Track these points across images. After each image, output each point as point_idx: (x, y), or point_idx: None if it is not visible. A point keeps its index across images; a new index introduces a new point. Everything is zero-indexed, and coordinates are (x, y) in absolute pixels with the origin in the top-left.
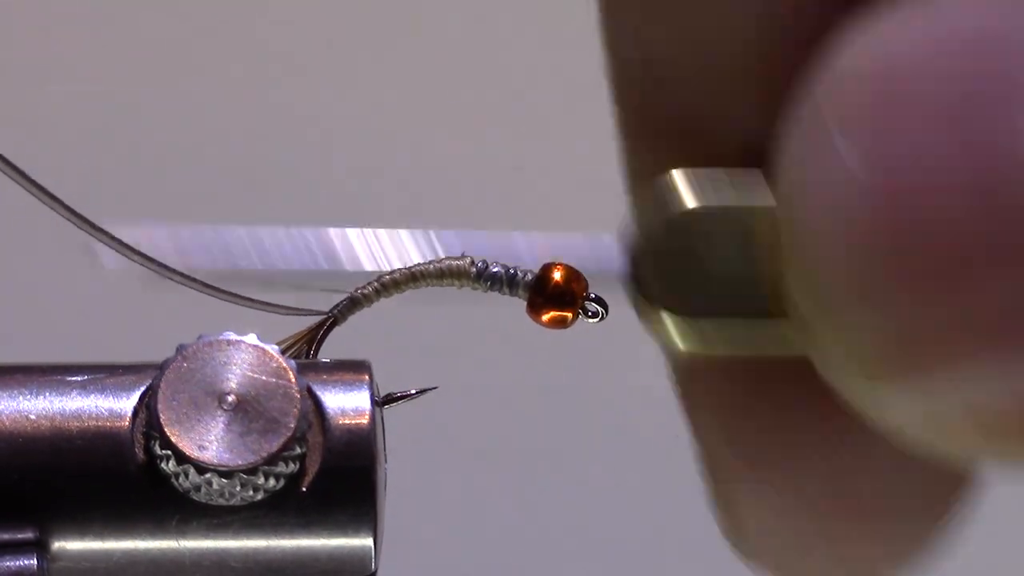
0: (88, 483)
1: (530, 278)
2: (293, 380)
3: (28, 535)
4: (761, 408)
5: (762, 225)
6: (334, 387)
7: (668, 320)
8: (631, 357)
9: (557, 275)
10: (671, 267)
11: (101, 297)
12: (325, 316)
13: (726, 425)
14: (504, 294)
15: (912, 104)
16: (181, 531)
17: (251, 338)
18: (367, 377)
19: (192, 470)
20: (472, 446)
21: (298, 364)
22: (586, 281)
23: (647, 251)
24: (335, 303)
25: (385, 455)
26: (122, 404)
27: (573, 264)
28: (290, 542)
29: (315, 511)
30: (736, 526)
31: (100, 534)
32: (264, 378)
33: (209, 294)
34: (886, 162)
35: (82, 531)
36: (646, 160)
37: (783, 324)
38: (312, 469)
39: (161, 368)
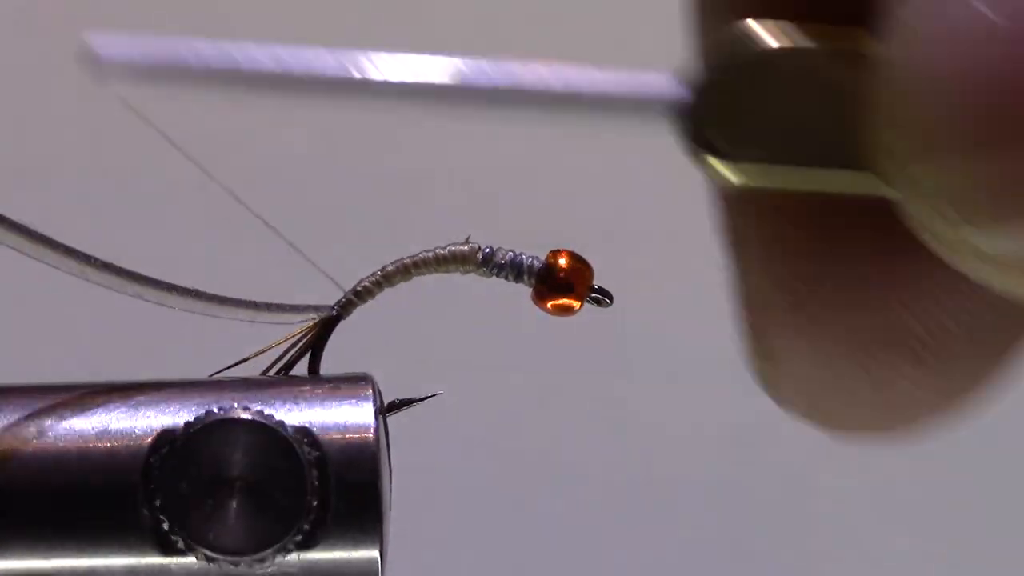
0: (101, 550)
1: (537, 264)
2: (300, 458)
3: None
4: (811, 245)
5: (849, 70)
6: (337, 401)
7: (722, 165)
8: (633, 356)
9: (563, 262)
10: (742, 109)
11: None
12: (328, 313)
13: (773, 259)
14: (510, 281)
15: None
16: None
17: (256, 414)
18: (370, 390)
19: (202, 553)
20: (473, 448)
21: (301, 379)
22: (592, 270)
23: (712, 91)
24: (336, 300)
25: (390, 463)
26: (131, 465)
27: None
28: (297, 558)
29: (323, 518)
30: (773, 367)
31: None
32: (271, 460)
33: (212, 297)
34: (1018, 7)
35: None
36: (720, 13)
37: (849, 173)
38: (320, 536)
39: (171, 444)
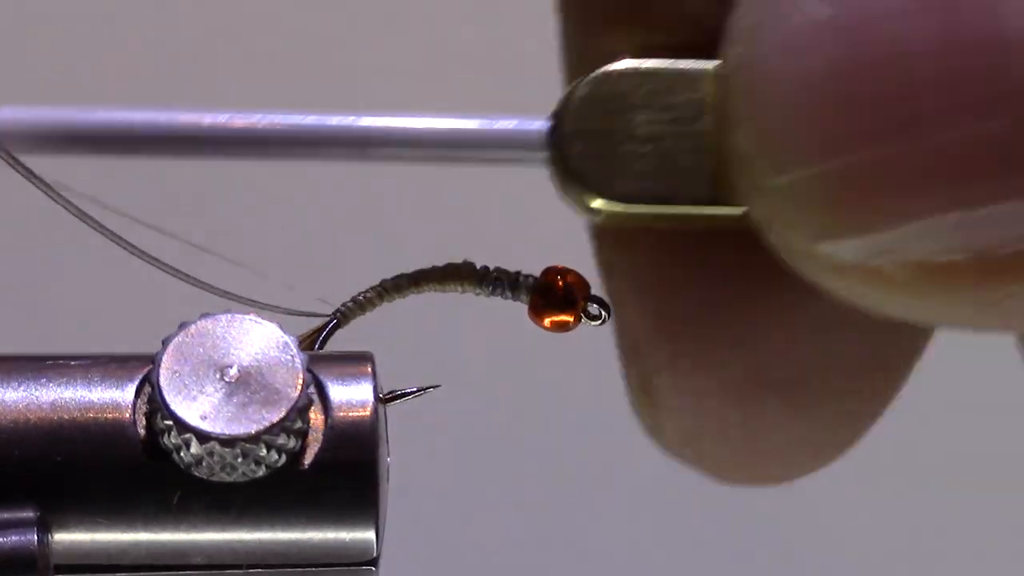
0: (89, 461)
1: (532, 282)
2: (295, 354)
3: (28, 514)
4: (688, 283)
5: (701, 90)
6: (337, 376)
7: (591, 201)
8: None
9: (559, 278)
10: (593, 137)
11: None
12: (327, 319)
13: (650, 299)
14: (507, 298)
15: None
16: (182, 510)
17: (253, 316)
18: (370, 368)
19: (194, 440)
20: (473, 444)
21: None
22: (588, 285)
23: (569, 120)
24: (337, 306)
25: (388, 450)
26: (124, 384)
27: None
28: (291, 524)
29: (317, 492)
30: (653, 409)
31: (101, 513)
32: (266, 352)
33: (212, 292)
34: (853, 5)
35: (83, 510)
36: (588, 49)
37: (713, 207)
38: (314, 448)
39: (163, 344)
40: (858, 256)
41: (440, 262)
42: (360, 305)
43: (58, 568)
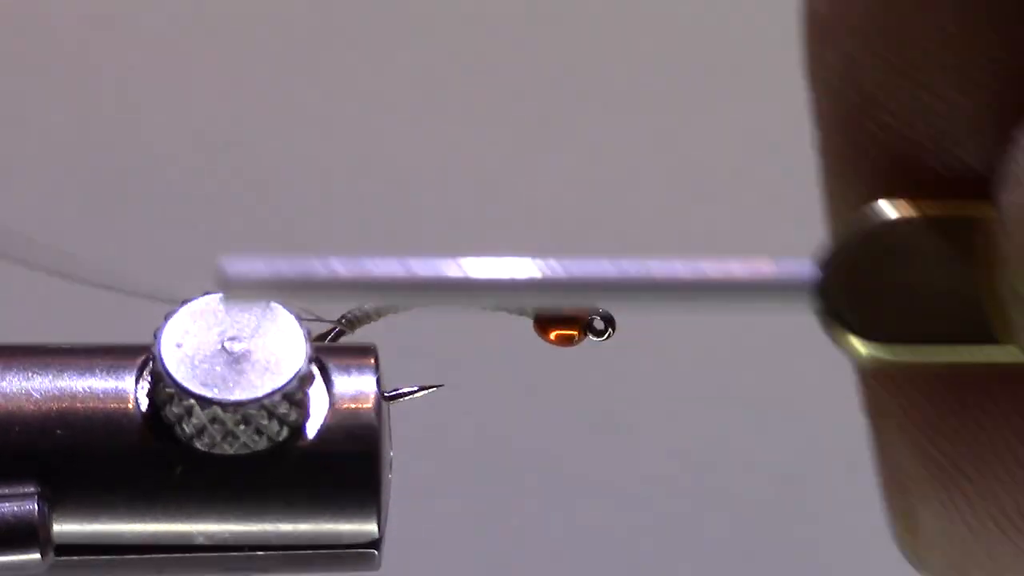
0: (91, 440)
1: None
2: (298, 328)
3: (29, 489)
4: (960, 422)
5: (974, 237)
6: (341, 365)
7: (859, 345)
8: (639, 364)
9: None
10: (860, 281)
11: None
12: (334, 325)
13: (920, 439)
14: (511, 313)
15: None
16: (184, 487)
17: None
18: (373, 359)
19: (196, 407)
20: (473, 444)
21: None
22: None
23: (841, 265)
24: (344, 313)
25: (391, 444)
26: (126, 364)
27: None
28: (293, 504)
29: (319, 470)
30: (917, 539)
31: (103, 492)
32: (268, 327)
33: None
34: None
35: (84, 489)
36: (851, 190)
37: (983, 347)
38: (316, 428)
39: (165, 319)
40: None
41: None
42: (367, 313)
43: (60, 549)
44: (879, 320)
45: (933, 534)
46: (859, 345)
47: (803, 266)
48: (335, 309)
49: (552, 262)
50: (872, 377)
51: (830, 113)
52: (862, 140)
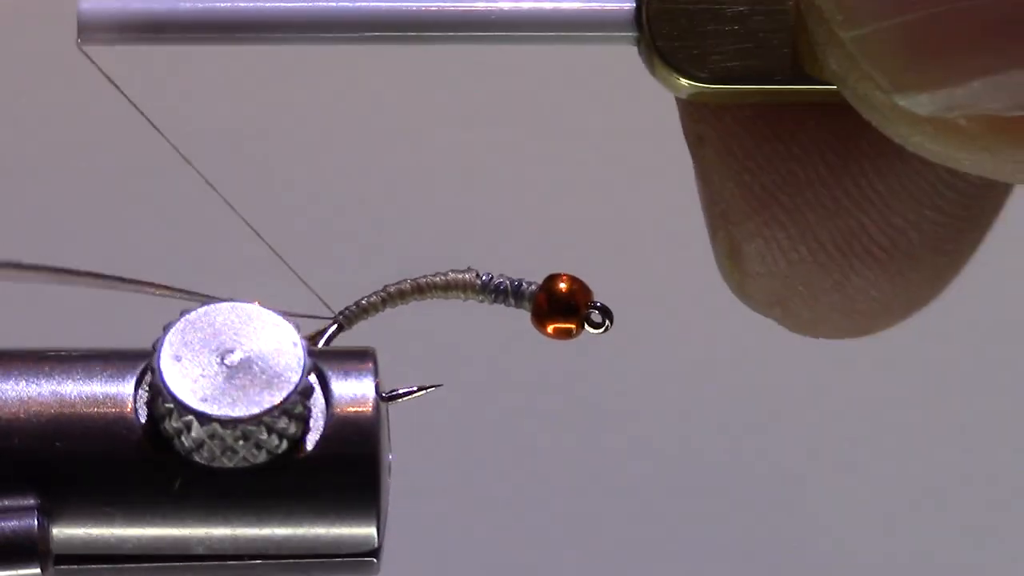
0: (90, 450)
1: (534, 289)
2: (297, 340)
3: (29, 501)
4: (774, 151)
5: None
6: (340, 371)
7: (677, 79)
8: (634, 356)
9: (561, 286)
10: (679, 17)
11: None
12: (331, 321)
13: (738, 168)
14: (509, 306)
15: None
16: (183, 498)
17: (255, 304)
18: (372, 363)
19: (195, 423)
20: (473, 444)
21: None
22: (590, 291)
23: (655, 2)
24: (341, 309)
25: (390, 447)
26: (125, 373)
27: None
28: (292, 513)
29: (318, 481)
30: (742, 271)
31: (102, 502)
32: (267, 338)
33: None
34: None
35: (84, 499)
36: None
37: (799, 85)
38: (315, 438)
39: (164, 329)
40: (932, 109)
41: (443, 267)
42: (363, 309)
43: (59, 558)
44: (700, 57)
45: (755, 266)
46: (680, 80)
47: (624, 2)
48: (332, 307)
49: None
50: (692, 107)
51: None
52: None
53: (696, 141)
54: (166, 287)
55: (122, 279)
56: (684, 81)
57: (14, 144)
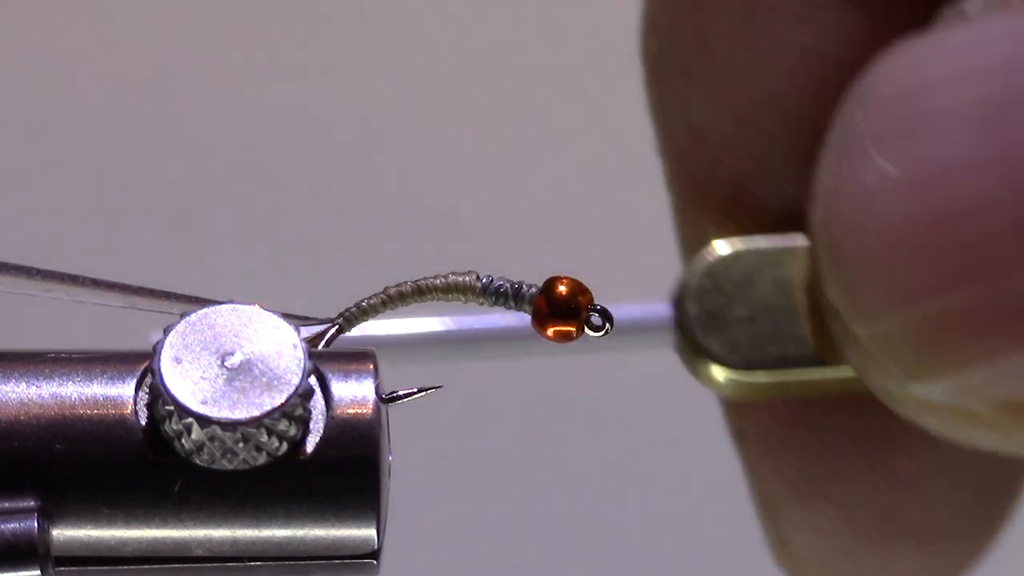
0: (90, 453)
1: (535, 292)
2: (297, 343)
3: (29, 503)
4: (811, 444)
5: (798, 262)
6: (340, 372)
7: (716, 373)
8: (634, 363)
9: (562, 289)
10: (711, 315)
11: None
12: (331, 323)
13: (776, 460)
14: (509, 308)
15: (945, 115)
16: (183, 500)
17: (255, 306)
18: (372, 364)
19: (195, 425)
20: (473, 445)
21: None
22: (591, 294)
23: (689, 303)
24: (341, 311)
25: (390, 448)
26: (125, 375)
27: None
28: (292, 515)
29: (318, 482)
30: (789, 553)
31: (102, 504)
32: (268, 340)
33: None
34: (919, 165)
35: (84, 501)
36: (696, 229)
37: (823, 368)
38: (315, 440)
39: (165, 332)
40: (946, 397)
41: (444, 269)
42: (364, 311)
43: (59, 560)
44: (731, 349)
45: (803, 551)
46: (716, 373)
47: (659, 307)
48: (332, 309)
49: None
50: (733, 407)
51: (667, 149)
52: (697, 173)
53: (739, 437)
54: (157, 294)
55: (113, 286)
56: (721, 373)
57: (8, 145)
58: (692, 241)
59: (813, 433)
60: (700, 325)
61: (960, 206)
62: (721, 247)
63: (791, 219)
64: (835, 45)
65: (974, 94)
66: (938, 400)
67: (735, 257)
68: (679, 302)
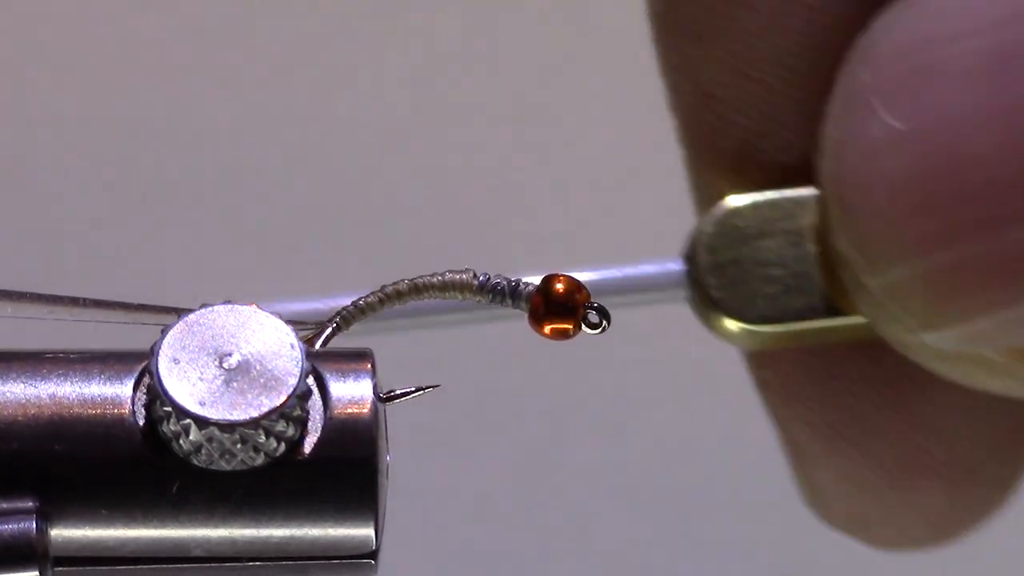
0: (88, 453)
1: (532, 290)
2: (295, 343)
3: (27, 504)
4: (831, 389)
5: (810, 214)
6: (337, 372)
7: (730, 325)
8: (633, 357)
9: (559, 286)
10: (723, 267)
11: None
12: (327, 324)
13: (800, 407)
14: (506, 306)
15: (948, 68)
16: (181, 500)
17: (253, 306)
18: (370, 364)
19: (192, 426)
20: (473, 444)
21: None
22: (587, 292)
23: (701, 255)
24: (338, 310)
25: (388, 448)
26: (123, 376)
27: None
28: (291, 515)
29: (316, 483)
30: (820, 498)
31: (100, 505)
32: (265, 341)
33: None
34: (922, 117)
35: (82, 501)
36: (710, 186)
37: (837, 318)
38: (313, 440)
39: (162, 332)
40: (958, 344)
41: (441, 267)
42: (361, 310)
43: (58, 560)
44: (746, 303)
45: (832, 494)
46: (730, 325)
47: (671, 263)
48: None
49: None
50: (753, 356)
51: (678, 108)
52: (706, 131)
53: (762, 387)
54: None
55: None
56: (736, 325)
57: (8, 145)
58: (706, 198)
59: (833, 379)
60: (713, 277)
61: (965, 157)
62: (733, 200)
63: (801, 173)
64: (839, 3)
65: (976, 47)
66: (950, 348)
67: (747, 209)
68: (692, 255)
